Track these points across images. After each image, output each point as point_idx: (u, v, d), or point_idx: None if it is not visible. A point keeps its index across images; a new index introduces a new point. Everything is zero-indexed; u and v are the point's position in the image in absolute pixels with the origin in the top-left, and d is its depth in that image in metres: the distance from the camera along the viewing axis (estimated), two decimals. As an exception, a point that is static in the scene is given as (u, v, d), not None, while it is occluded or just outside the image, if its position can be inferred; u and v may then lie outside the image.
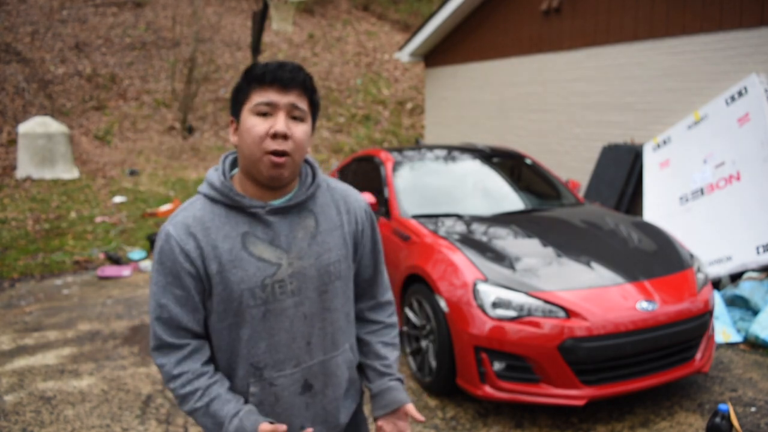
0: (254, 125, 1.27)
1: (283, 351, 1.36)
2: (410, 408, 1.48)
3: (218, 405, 1.31)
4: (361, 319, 1.59)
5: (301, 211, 1.37)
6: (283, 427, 1.28)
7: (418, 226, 3.78)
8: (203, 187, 1.36)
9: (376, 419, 1.51)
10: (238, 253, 1.30)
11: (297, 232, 1.36)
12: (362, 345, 1.57)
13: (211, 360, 1.39)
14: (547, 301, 2.96)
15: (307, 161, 1.45)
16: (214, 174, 1.36)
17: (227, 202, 1.32)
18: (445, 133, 10.03)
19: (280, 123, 1.26)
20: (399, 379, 1.53)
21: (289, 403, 1.39)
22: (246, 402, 1.37)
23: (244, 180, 1.35)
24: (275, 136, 1.26)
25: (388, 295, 1.62)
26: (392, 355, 1.56)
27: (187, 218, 1.32)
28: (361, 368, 1.57)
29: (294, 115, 1.29)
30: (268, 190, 1.34)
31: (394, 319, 1.63)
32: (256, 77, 1.29)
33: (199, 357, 1.35)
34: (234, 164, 1.43)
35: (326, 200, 1.43)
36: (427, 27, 9.51)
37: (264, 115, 1.28)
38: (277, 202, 1.35)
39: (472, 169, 4.65)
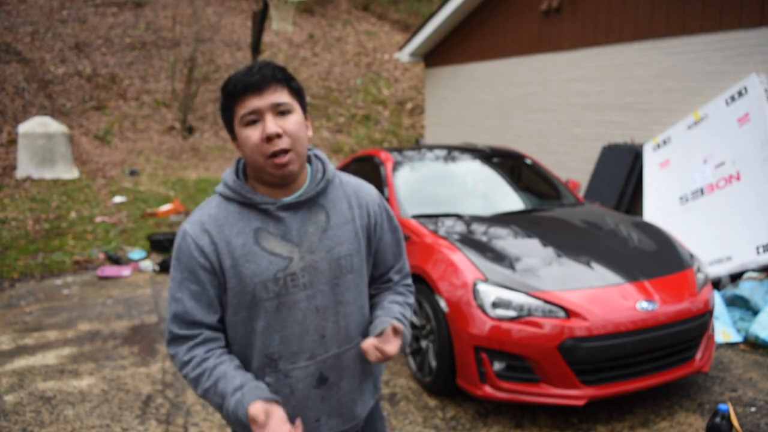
0: (248, 136, 1.33)
1: (296, 343, 1.40)
2: (390, 326, 1.41)
3: (223, 383, 1.31)
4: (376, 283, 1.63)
5: (312, 207, 1.42)
6: (280, 413, 1.25)
7: (418, 226, 3.78)
8: (219, 187, 1.43)
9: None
10: (251, 248, 1.35)
11: (308, 227, 1.40)
12: (373, 304, 1.59)
13: (225, 348, 1.41)
14: (547, 301, 2.96)
15: (318, 157, 1.49)
16: (228, 174, 1.43)
17: (240, 199, 1.38)
18: (445, 133, 10.03)
19: (269, 125, 1.31)
20: (395, 318, 1.49)
21: (304, 396, 1.43)
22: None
23: (255, 183, 1.41)
24: (269, 139, 1.31)
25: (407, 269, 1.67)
26: (396, 306, 1.55)
27: (202, 216, 1.39)
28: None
29: (280, 111, 1.33)
30: (279, 189, 1.39)
31: (410, 284, 1.67)
32: (230, 93, 1.34)
33: (211, 345, 1.38)
34: None
35: (338, 195, 1.47)
36: (427, 27, 9.51)
37: (254, 122, 1.33)
38: (287, 199, 1.39)
39: (472, 169, 4.65)
